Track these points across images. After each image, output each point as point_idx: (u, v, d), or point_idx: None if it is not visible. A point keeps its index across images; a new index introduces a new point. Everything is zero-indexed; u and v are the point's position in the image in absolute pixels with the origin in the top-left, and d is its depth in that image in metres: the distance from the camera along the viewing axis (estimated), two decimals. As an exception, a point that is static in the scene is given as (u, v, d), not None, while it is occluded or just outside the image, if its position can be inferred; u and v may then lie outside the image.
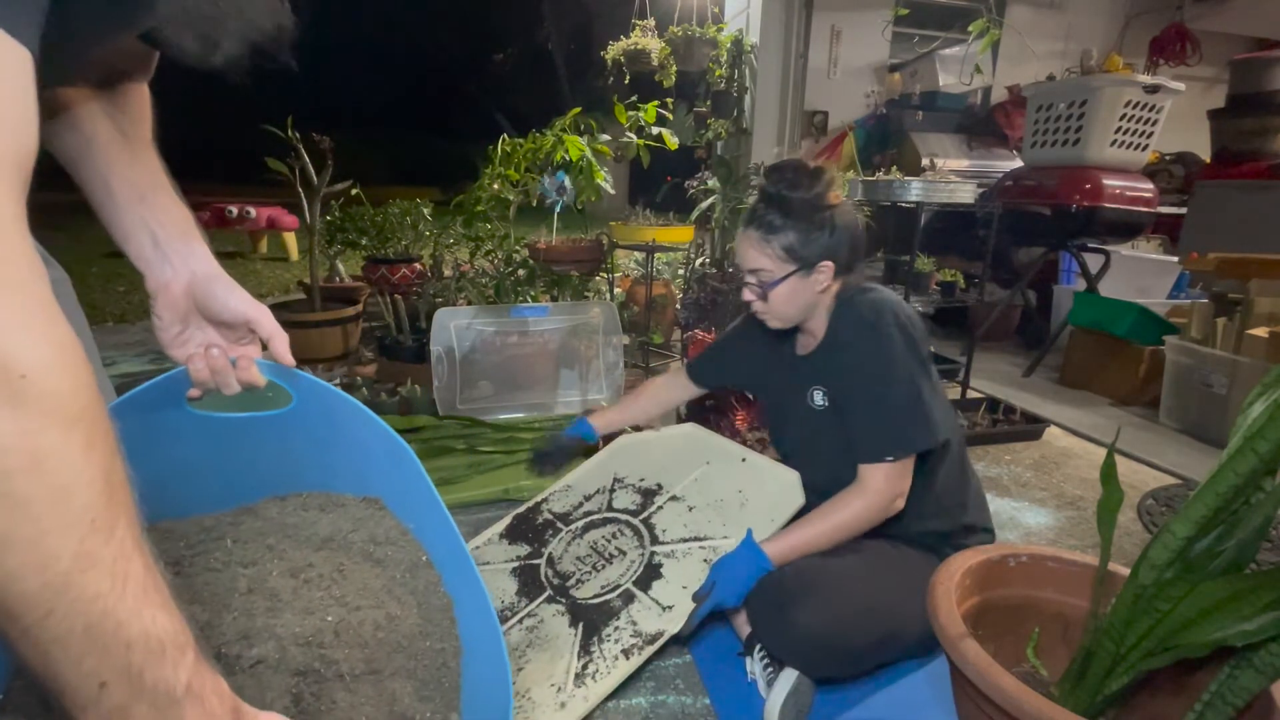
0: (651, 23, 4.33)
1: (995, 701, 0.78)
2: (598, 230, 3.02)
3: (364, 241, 3.72)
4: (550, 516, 1.48)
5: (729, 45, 4.19)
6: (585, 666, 1.11)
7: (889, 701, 1.14)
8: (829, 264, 1.16)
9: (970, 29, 3.90)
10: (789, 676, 1.06)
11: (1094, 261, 3.14)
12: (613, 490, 1.49)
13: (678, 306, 3.28)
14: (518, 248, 2.79)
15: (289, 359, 0.71)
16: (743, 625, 1.20)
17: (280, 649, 0.69)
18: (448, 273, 3.49)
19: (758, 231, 1.16)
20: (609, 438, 1.63)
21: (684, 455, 1.49)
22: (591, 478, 1.56)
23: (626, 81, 4.27)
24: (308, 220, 2.78)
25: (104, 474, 0.39)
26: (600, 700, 1.07)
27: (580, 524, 1.42)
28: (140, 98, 0.70)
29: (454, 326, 2.31)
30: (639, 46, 4.19)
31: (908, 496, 1.14)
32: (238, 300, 0.69)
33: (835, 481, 1.19)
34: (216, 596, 0.72)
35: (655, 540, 1.31)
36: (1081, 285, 3.17)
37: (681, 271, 3.74)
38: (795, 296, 1.18)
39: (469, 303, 2.62)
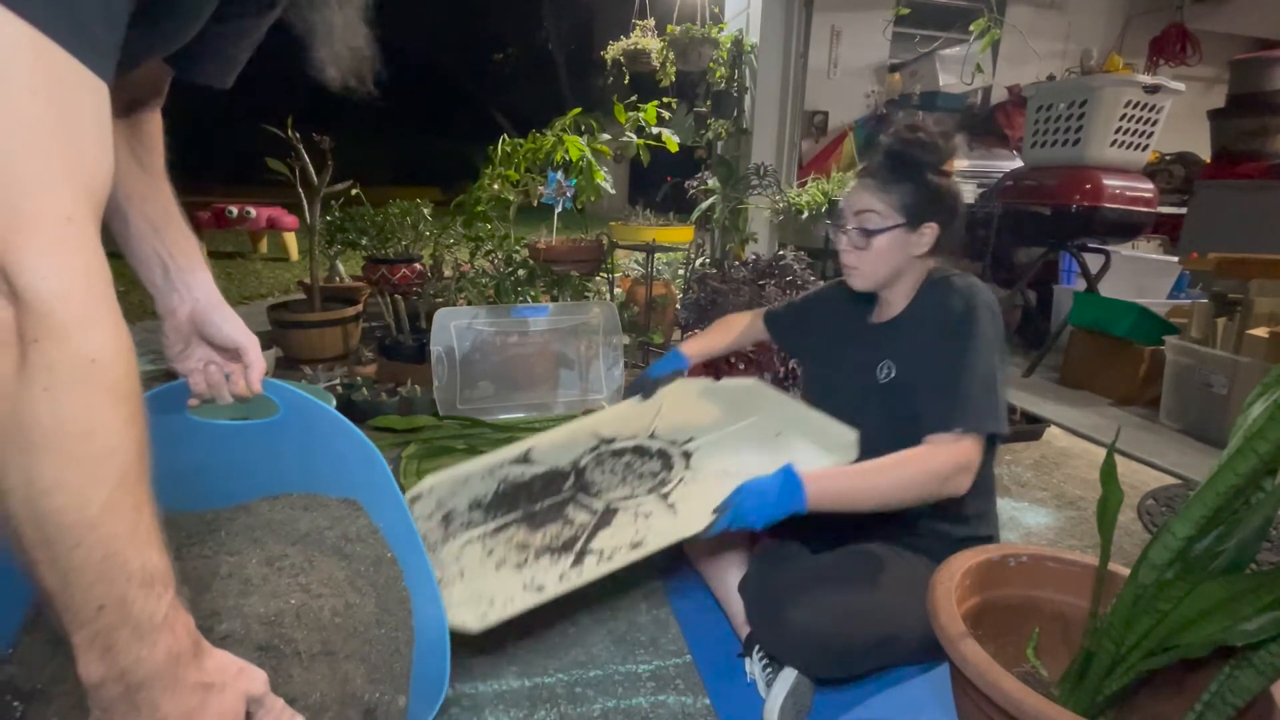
0: (651, 23, 4.33)
1: (995, 702, 0.78)
2: (598, 230, 3.02)
3: (364, 241, 3.72)
4: (591, 434, 1.47)
5: (729, 45, 4.19)
6: (591, 546, 1.09)
7: (889, 702, 1.14)
8: (934, 226, 1.16)
9: (970, 29, 3.90)
10: (788, 677, 1.06)
11: (1094, 261, 3.13)
12: (657, 421, 1.47)
13: (678, 306, 3.28)
14: (518, 248, 2.79)
15: (257, 388, 0.83)
16: (742, 626, 1.20)
17: (245, 626, 0.77)
18: (448, 273, 3.49)
19: (875, 180, 1.17)
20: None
21: (740, 404, 1.45)
22: (640, 408, 1.54)
23: (626, 81, 4.27)
24: (308, 220, 2.78)
25: (137, 442, 0.48)
26: (596, 578, 1.03)
27: (617, 445, 1.41)
28: (155, 125, 0.78)
29: (454, 326, 2.31)
30: (639, 46, 4.19)
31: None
32: (232, 328, 0.80)
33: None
34: (201, 580, 0.81)
35: (691, 468, 1.28)
36: (1081, 285, 3.16)
37: (681, 271, 3.74)
38: (892, 253, 1.17)
39: (469, 303, 2.62)
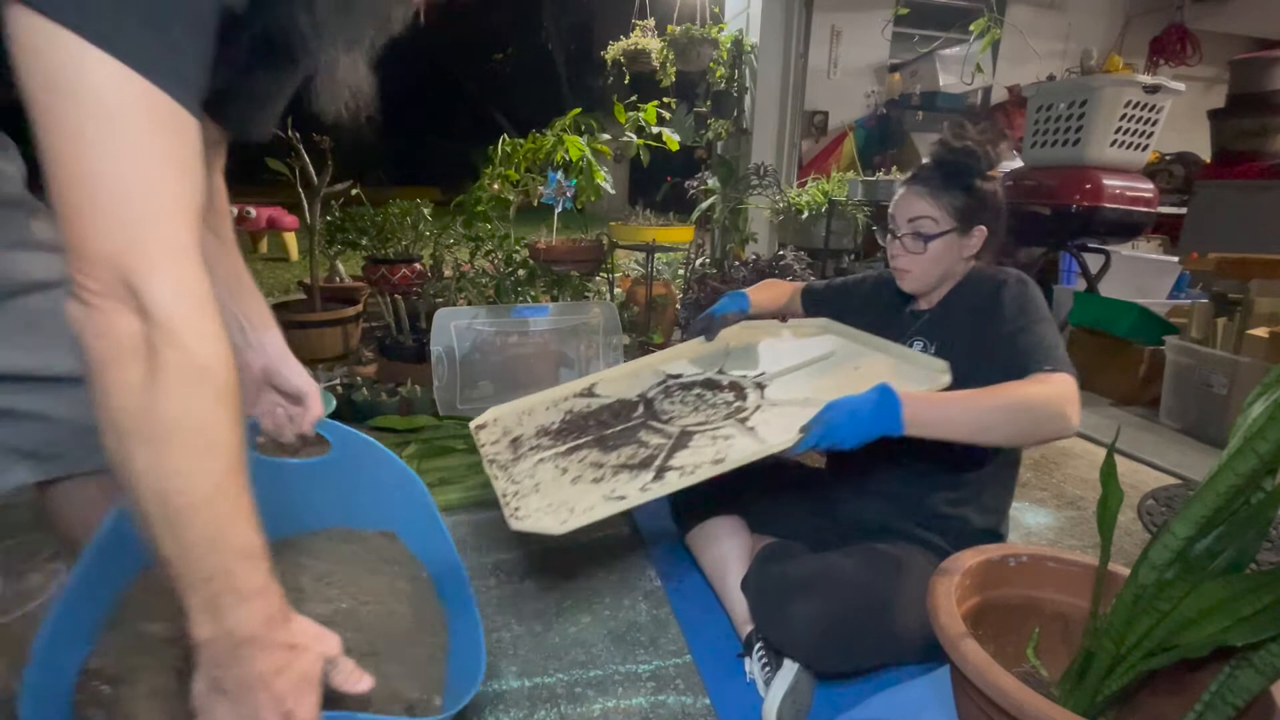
0: (651, 23, 4.33)
1: (995, 702, 0.78)
2: (598, 230, 3.02)
3: (364, 241, 3.71)
4: (659, 370, 1.46)
5: (729, 45, 4.19)
6: (671, 463, 1.07)
7: (889, 702, 1.13)
8: (983, 229, 1.21)
9: (970, 29, 3.90)
10: (787, 674, 1.06)
11: (1094, 261, 3.13)
12: (727, 357, 1.44)
13: (678, 306, 3.29)
14: (518, 248, 2.79)
15: (308, 430, 0.93)
16: (742, 625, 1.20)
17: None
18: (448, 273, 3.49)
19: (926, 187, 1.21)
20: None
21: (813, 340, 1.42)
22: (705, 348, 1.53)
23: (626, 81, 4.27)
24: (308, 220, 2.78)
25: (238, 437, 0.55)
26: (678, 489, 1.02)
27: (685, 379, 1.38)
28: (220, 191, 0.86)
29: (454, 326, 2.31)
30: (639, 46, 4.19)
31: (970, 475, 1.15)
32: (298, 378, 0.91)
33: (903, 442, 1.06)
34: None
35: (767, 398, 1.23)
36: (1081, 285, 3.17)
37: (681, 271, 3.75)
38: (945, 256, 1.21)
39: (469, 303, 2.62)
